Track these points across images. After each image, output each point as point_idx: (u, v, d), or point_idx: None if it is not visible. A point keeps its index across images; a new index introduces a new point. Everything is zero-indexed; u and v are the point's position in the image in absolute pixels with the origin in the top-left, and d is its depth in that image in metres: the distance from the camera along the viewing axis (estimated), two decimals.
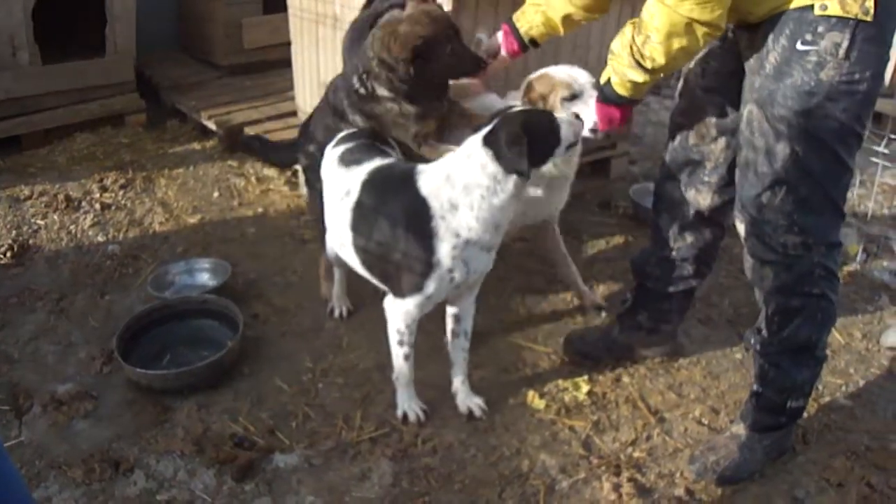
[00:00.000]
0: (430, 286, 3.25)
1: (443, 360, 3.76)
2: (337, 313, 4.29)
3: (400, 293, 3.36)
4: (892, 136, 5.07)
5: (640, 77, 3.06)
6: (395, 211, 3.28)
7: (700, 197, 3.56)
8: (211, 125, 6.52)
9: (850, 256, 5.03)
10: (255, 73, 7.62)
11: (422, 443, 3.49)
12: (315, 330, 4.24)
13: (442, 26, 3.71)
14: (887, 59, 2.96)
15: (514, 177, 3.07)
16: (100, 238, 5.15)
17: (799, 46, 2.83)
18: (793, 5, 2.85)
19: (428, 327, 3.73)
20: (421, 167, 3.31)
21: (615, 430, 3.62)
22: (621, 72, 3.11)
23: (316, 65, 5.83)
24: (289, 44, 6.14)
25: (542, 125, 3.16)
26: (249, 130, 6.18)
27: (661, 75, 3.09)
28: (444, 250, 3.18)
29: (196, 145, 6.65)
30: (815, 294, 3.17)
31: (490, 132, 3.12)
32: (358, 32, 4.43)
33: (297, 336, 4.19)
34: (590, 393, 3.83)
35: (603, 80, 3.26)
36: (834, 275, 3.21)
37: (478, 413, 3.65)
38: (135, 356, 3.89)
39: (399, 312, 3.40)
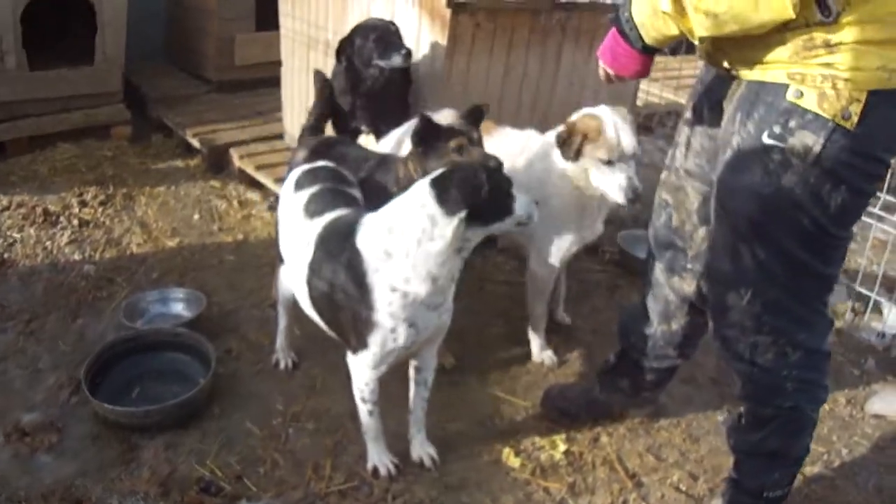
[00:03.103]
0: (375, 346, 3.14)
1: None
2: (282, 364, 4.13)
3: (353, 350, 3.27)
4: (887, 197, 4.98)
5: (667, 5, 2.51)
6: (336, 267, 3.18)
7: (684, 284, 3.35)
8: (196, 143, 6.43)
9: (838, 315, 4.94)
10: (244, 90, 7.52)
11: (392, 498, 3.38)
12: (289, 369, 4.13)
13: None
14: (877, 175, 2.62)
15: (453, 222, 2.89)
16: (76, 256, 5.04)
17: (765, 139, 2.52)
18: (767, 77, 2.54)
19: (404, 374, 3.60)
20: (366, 217, 3.18)
21: (591, 494, 3.52)
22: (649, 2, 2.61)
23: (305, 88, 5.80)
24: (280, 62, 6.07)
25: (499, 187, 3.01)
26: (235, 151, 6.13)
27: (695, 31, 2.53)
28: (382, 307, 3.05)
29: (179, 163, 6.54)
30: (787, 407, 2.98)
31: (442, 174, 2.99)
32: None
33: (270, 375, 4.08)
34: (567, 452, 3.72)
35: (622, 9, 2.75)
36: (815, 385, 2.98)
37: (427, 464, 3.55)
38: (104, 387, 3.79)
39: (357, 369, 3.31)
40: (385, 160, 3.98)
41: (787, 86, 2.48)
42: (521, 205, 3.04)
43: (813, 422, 3.08)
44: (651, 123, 7.78)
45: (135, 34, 7.02)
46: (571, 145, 3.72)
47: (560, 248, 4.09)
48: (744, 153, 2.61)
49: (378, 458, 3.49)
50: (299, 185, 3.65)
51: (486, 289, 4.89)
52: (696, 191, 3.12)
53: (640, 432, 3.92)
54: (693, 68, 8.45)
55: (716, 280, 2.92)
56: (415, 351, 3.34)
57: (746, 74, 2.64)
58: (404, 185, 3.27)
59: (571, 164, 3.77)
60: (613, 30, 2.83)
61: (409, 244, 2.97)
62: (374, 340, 3.12)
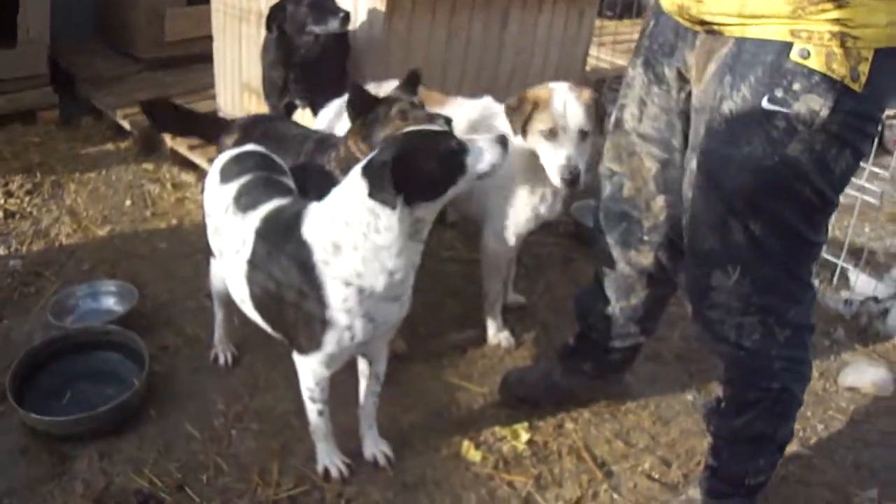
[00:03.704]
0: (329, 345, 2.88)
1: None
2: (222, 360, 3.86)
3: (301, 350, 3.00)
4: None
5: None
6: (281, 261, 2.90)
7: (641, 257, 3.17)
8: (126, 125, 6.12)
9: None
10: (176, 67, 7.17)
11: (346, 502, 3.16)
12: (229, 364, 3.87)
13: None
14: (874, 135, 2.48)
15: (396, 212, 2.63)
16: (1, 251, 4.73)
17: (765, 104, 2.32)
18: (761, 34, 2.32)
19: (353, 368, 3.36)
20: (311, 206, 2.91)
21: (558, 487, 3.33)
22: None
23: (238, 63, 5.57)
24: (212, 37, 5.81)
25: (432, 150, 2.67)
26: None
27: None
28: (336, 303, 2.79)
29: (110, 146, 6.20)
30: (774, 388, 2.80)
31: (371, 160, 2.69)
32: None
33: (209, 372, 3.82)
34: (530, 442, 3.52)
35: None
36: (801, 363, 2.83)
37: (382, 462, 3.33)
38: (32, 393, 3.53)
39: (305, 370, 3.05)
40: (324, 140, 3.70)
41: (790, 44, 2.27)
42: (475, 156, 2.71)
43: (799, 403, 2.92)
44: (601, 89, 7.55)
45: (60, 11, 6.65)
46: (521, 115, 3.52)
47: (517, 225, 3.87)
48: (738, 121, 2.40)
49: (328, 458, 3.26)
50: (225, 176, 3.38)
51: (435, 267, 4.62)
52: (653, 157, 2.93)
53: (606, 416, 3.74)
54: (633, 29, 8.30)
55: (698, 259, 2.71)
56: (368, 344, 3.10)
57: (735, 31, 2.41)
58: (347, 168, 2.98)
59: (521, 140, 3.57)
60: None
61: (356, 238, 2.72)
62: (329, 339, 2.86)
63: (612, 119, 3.10)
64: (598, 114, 3.53)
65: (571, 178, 3.49)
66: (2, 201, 5.26)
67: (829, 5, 2.17)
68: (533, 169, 3.65)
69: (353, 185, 2.73)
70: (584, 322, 3.54)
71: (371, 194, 2.59)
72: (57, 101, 6.55)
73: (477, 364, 4.02)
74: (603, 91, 7.53)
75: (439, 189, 2.70)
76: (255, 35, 5.21)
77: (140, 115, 5.87)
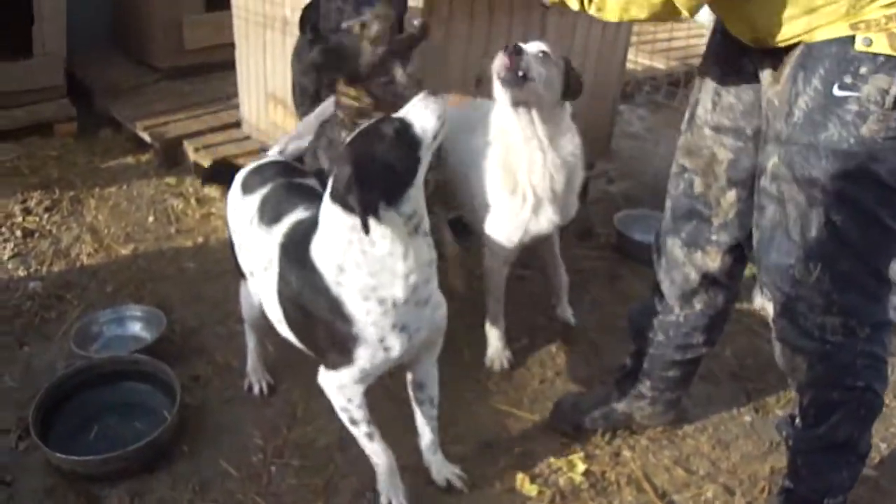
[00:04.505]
0: (362, 360, 2.71)
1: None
2: (256, 389, 3.67)
3: (332, 366, 2.83)
4: None
5: (574, 5, 2.56)
6: (301, 283, 2.77)
7: (708, 259, 3.05)
8: (146, 137, 5.93)
9: None
10: (196, 76, 7.00)
11: None
12: (265, 394, 3.69)
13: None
14: None
15: (382, 222, 2.48)
16: (20, 272, 4.56)
17: (836, 91, 2.33)
18: (826, 35, 2.34)
19: (401, 394, 3.21)
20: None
21: None
22: None
23: (263, 72, 5.37)
24: (233, 45, 5.63)
25: (383, 143, 2.51)
26: (189, 143, 5.69)
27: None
28: (361, 318, 2.63)
29: (130, 159, 6.02)
30: (859, 387, 2.69)
31: (335, 180, 2.56)
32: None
33: (244, 403, 3.63)
34: (587, 473, 3.32)
35: None
36: (881, 361, 2.71)
37: (458, 484, 3.16)
38: (58, 428, 3.36)
39: (333, 387, 2.86)
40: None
41: (852, 37, 2.29)
42: (420, 122, 2.53)
43: (881, 405, 2.80)
44: (628, 89, 7.38)
45: (76, 21, 6.50)
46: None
47: (505, 236, 3.70)
48: (814, 111, 2.40)
49: (393, 494, 3.06)
50: (247, 188, 3.25)
51: (473, 285, 4.37)
52: (728, 147, 2.88)
53: (664, 442, 3.55)
54: (667, 31, 8.17)
55: (780, 257, 2.61)
56: (410, 361, 2.94)
57: (804, 38, 2.41)
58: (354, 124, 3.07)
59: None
60: None
61: (355, 257, 2.57)
62: (361, 355, 2.70)
63: (686, 116, 3.03)
64: (567, 79, 3.43)
65: (512, 72, 3.26)
66: (20, 219, 5.10)
67: None
68: (510, 171, 3.54)
69: (330, 212, 2.59)
70: (642, 338, 3.38)
71: (350, 211, 2.47)
72: (74, 114, 6.38)
73: (526, 389, 3.82)
74: (631, 91, 7.41)
75: (410, 174, 2.53)
76: (280, 42, 5.04)
77: (161, 127, 5.80)
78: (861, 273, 2.53)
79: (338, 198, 2.52)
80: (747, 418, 3.71)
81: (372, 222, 2.45)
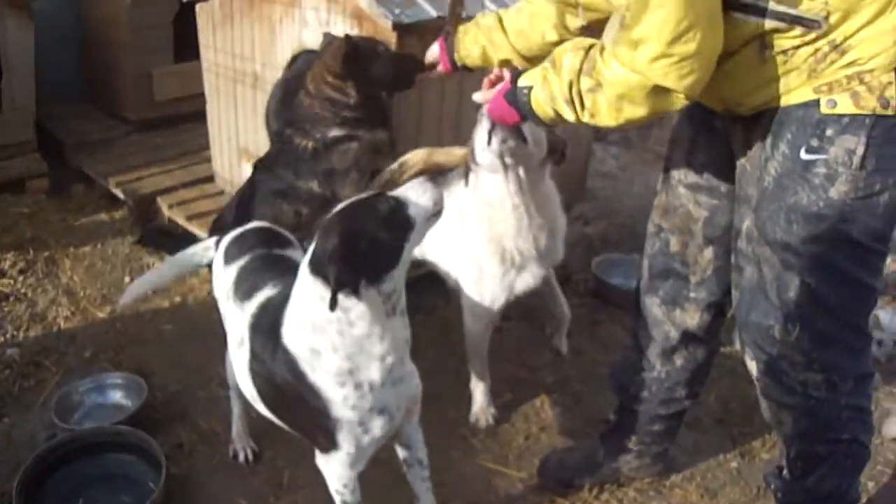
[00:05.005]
0: (346, 445, 2.67)
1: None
2: (241, 457, 3.63)
3: (322, 450, 2.79)
4: None
5: (570, 116, 2.54)
6: (274, 366, 2.71)
7: (687, 316, 3.08)
8: (120, 194, 5.89)
9: None
10: (167, 128, 6.91)
11: None
12: (250, 461, 3.65)
13: (361, 37, 3.55)
14: None
15: (363, 299, 2.43)
16: None
17: (803, 155, 2.37)
18: (791, 100, 2.39)
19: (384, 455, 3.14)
20: (289, 305, 2.69)
21: None
22: (551, 94, 2.56)
23: (235, 127, 5.35)
24: (203, 95, 5.61)
25: (374, 218, 2.45)
26: (162, 200, 5.63)
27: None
28: (338, 402, 2.58)
29: (104, 216, 5.95)
30: (844, 440, 2.73)
31: (314, 252, 2.49)
32: (285, 94, 4.00)
33: (230, 471, 3.59)
34: None
35: (524, 80, 2.69)
36: (866, 412, 2.77)
37: None
38: (42, 501, 3.33)
39: (330, 471, 2.83)
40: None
41: (817, 100, 2.34)
42: (415, 204, 2.50)
43: (868, 455, 2.87)
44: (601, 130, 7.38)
45: (46, 74, 6.46)
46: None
47: (491, 300, 3.69)
48: (783, 176, 2.45)
49: None
50: (227, 258, 3.22)
51: (452, 338, 4.33)
52: (703, 206, 2.93)
53: (652, 493, 3.57)
54: None
55: (760, 316, 2.63)
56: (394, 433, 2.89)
57: (772, 104, 2.47)
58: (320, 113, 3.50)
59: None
60: (505, 100, 2.78)
61: (332, 339, 2.51)
62: (345, 438, 2.66)
63: (661, 177, 3.06)
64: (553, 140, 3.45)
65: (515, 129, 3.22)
66: None
67: (835, 56, 2.28)
68: (496, 240, 3.53)
69: (306, 286, 2.53)
70: (625, 393, 3.39)
71: (331, 284, 2.37)
72: (46, 169, 6.29)
73: (512, 445, 3.81)
74: (604, 132, 7.40)
75: (396, 255, 2.48)
76: (251, 98, 5.03)
77: (133, 182, 5.75)
78: (840, 331, 2.57)
79: (318, 269, 2.45)
80: (734, 464, 3.73)
81: (351, 300, 2.42)
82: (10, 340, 4.50)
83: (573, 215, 5.40)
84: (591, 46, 2.48)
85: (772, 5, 2.29)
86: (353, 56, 3.48)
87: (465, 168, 3.44)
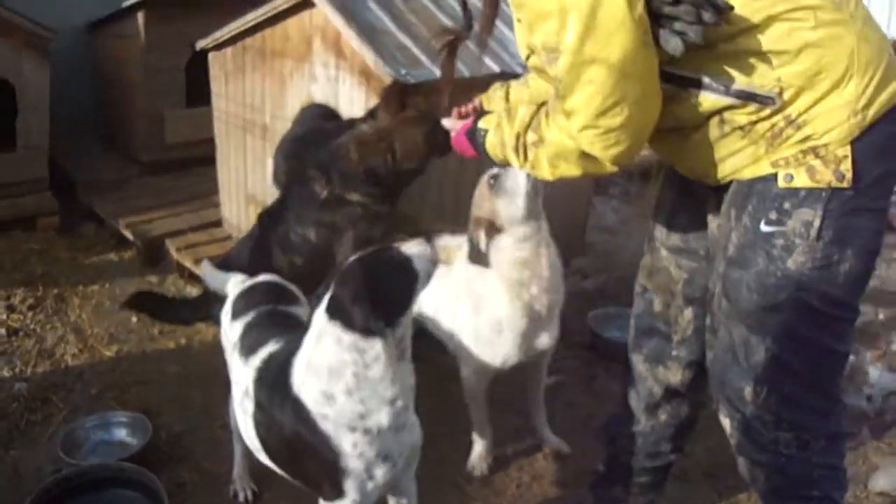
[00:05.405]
0: (352, 493, 2.74)
1: None
2: (241, 497, 3.70)
3: (326, 498, 2.85)
4: None
5: (515, 164, 2.75)
6: (282, 417, 2.79)
7: (670, 374, 3.18)
8: (129, 235, 6.02)
9: None
10: (177, 171, 7.10)
11: None
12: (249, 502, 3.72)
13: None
14: (882, 228, 2.53)
15: (379, 338, 2.53)
16: (5, 372, 4.62)
17: (763, 227, 2.46)
18: (751, 174, 2.48)
19: None
20: (298, 355, 2.77)
21: None
22: (502, 140, 2.77)
23: (243, 175, 5.47)
24: (213, 140, 5.77)
25: (387, 266, 2.62)
26: (171, 242, 5.77)
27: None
28: (348, 450, 2.67)
29: (113, 255, 6.10)
30: (815, 497, 2.76)
31: (333, 296, 2.60)
32: (298, 145, 4.07)
33: None
34: None
35: (483, 123, 2.93)
36: (839, 469, 2.80)
37: None
38: None
39: None
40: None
41: (774, 174, 2.42)
42: (418, 260, 2.64)
43: None
44: (601, 182, 7.48)
45: (60, 113, 6.62)
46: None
47: (502, 359, 3.72)
48: (745, 247, 2.52)
49: None
50: (235, 311, 3.31)
51: (449, 388, 4.33)
52: (683, 268, 3.03)
53: None
54: None
55: (732, 377, 2.70)
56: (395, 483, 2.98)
57: (735, 176, 2.56)
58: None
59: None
60: (465, 137, 3.03)
61: (347, 383, 2.61)
62: (351, 486, 2.73)
63: (647, 239, 3.17)
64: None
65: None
66: (5, 316, 5.16)
67: (790, 130, 2.35)
68: (520, 294, 3.55)
69: (324, 330, 2.62)
70: (614, 445, 3.49)
71: (350, 326, 2.53)
72: (57, 207, 6.44)
73: (506, 494, 3.87)
74: (605, 185, 7.50)
75: (406, 301, 2.63)
76: (260, 148, 5.16)
77: (143, 224, 5.84)
78: (807, 394, 2.63)
79: (337, 312, 2.56)
80: None
81: (368, 342, 2.54)
82: (19, 375, 4.61)
83: (572, 269, 5.51)
84: (543, 103, 2.64)
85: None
86: (431, 149, 3.59)
87: (473, 241, 3.52)
